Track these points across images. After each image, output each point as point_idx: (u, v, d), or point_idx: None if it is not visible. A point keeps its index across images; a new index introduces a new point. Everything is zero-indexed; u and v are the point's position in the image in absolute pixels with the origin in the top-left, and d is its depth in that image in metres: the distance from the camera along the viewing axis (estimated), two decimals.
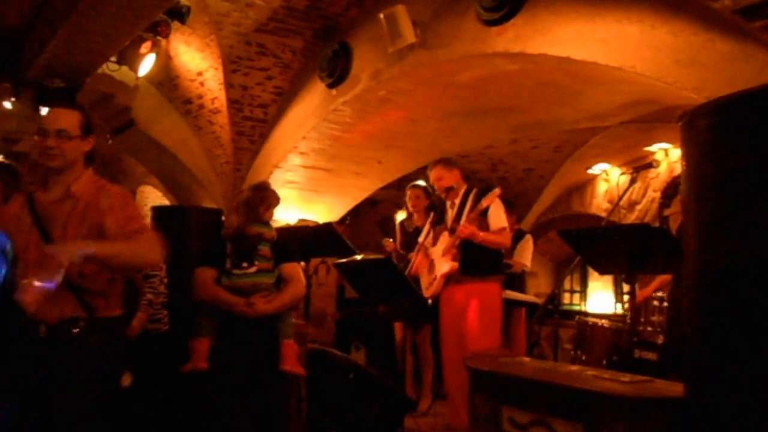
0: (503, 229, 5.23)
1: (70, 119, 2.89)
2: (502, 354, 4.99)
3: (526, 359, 4.34)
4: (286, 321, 4.28)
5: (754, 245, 2.07)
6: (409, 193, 6.57)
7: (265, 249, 4.27)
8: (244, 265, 4.21)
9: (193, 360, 4.13)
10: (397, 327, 6.57)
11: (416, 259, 5.55)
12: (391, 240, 6.69)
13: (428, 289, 5.42)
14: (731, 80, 3.69)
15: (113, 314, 2.93)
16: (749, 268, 2.09)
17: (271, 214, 4.51)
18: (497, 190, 5.15)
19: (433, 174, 5.48)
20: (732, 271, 2.14)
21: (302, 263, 6.05)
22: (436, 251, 5.38)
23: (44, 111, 7.08)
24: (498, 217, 5.21)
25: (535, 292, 9.51)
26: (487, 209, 5.13)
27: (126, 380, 2.97)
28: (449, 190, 5.37)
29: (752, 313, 2.06)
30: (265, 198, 4.45)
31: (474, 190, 5.34)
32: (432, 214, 5.67)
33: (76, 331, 2.77)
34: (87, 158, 2.98)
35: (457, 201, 5.37)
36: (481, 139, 7.85)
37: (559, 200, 9.77)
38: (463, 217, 5.21)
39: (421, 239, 5.62)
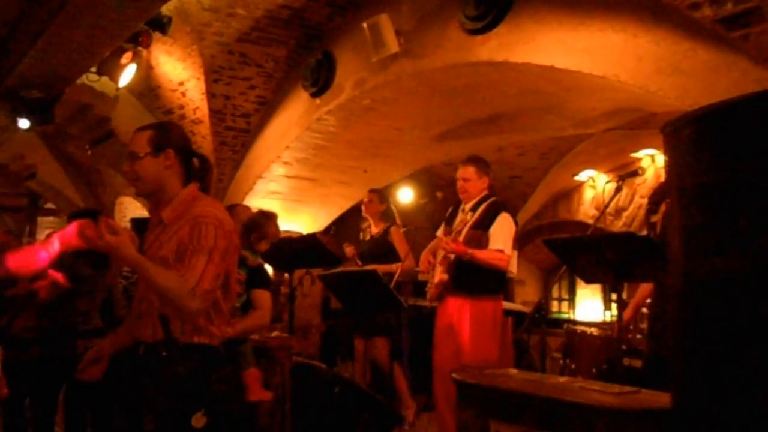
0: (500, 251, 4.91)
1: (139, 139, 2.72)
2: (489, 366, 4.93)
3: (513, 371, 4.29)
4: (245, 351, 4.19)
5: (736, 254, 2.05)
6: (365, 197, 6.54)
7: (241, 273, 4.13)
8: None
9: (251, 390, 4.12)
10: (356, 340, 6.46)
11: (424, 258, 5.33)
12: (351, 246, 6.64)
13: (427, 292, 5.33)
14: (712, 88, 3.69)
15: (202, 341, 2.64)
16: (731, 277, 2.07)
17: (264, 247, 4.40)
18: (504, 216, 4.98)
19: (463, 172, 5.13)
20: (714, 279, 2.12)
21: (286, 274, 6.02)
22: (439, 255, 5.17)
23: (21, 122, 7.10)
24: (498, 237, 4.93)
25: (522, 300, 9.51)
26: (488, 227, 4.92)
27: (198, 421, 2.53)
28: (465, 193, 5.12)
29: (735, 323, 2.04)
30: (260, 227, 4.36)
31: (487, 202, 5.08)
32: (450, 210, 5.45)
33: (164, 354, 2.60)
34: (185, 177, 2.74)
35: (468, 208, 5.13)
36: (466, 147, 7.81)
37: (545, 207, 9.77)
38: (466, 228, 5.05)
39: (439, 234, 5.37)
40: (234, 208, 4.73)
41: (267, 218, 4.49)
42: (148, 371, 2.64)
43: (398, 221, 6.44)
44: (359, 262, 6.35)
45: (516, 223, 5.17)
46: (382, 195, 6.38)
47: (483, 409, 3.49)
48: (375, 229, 6.48)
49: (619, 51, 4.26)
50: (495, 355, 5.06)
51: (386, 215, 6.61)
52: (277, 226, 4.51)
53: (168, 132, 2.78)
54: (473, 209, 5.08)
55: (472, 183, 5.08)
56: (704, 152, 2.22)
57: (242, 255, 4.03)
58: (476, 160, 5.21)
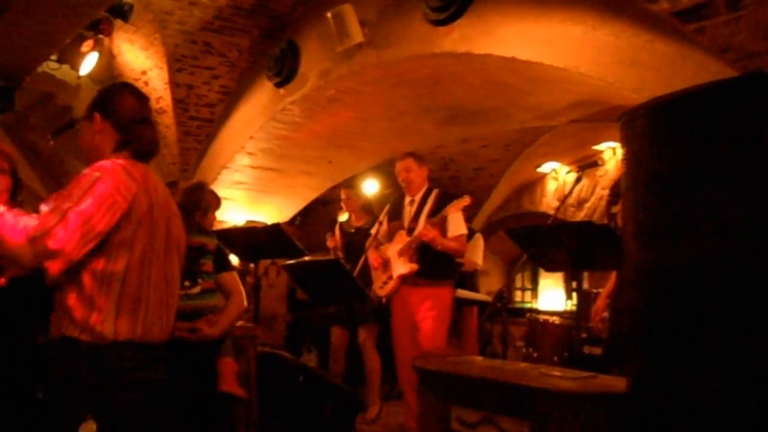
0: (462, 236, 5.20)
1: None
2: (451, 353, 5.01)
3: (477, 358, 4.36)
4: (225, 339, 3.88)
5: (689, 243, 2.10)
6: (341, 194, 6.56)
7: (207, 263, 3.83)
8: (186, 284, 3.64)
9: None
10: (335, 330, 6.51)
11: (369, 255, 5.49)
12: (335, 236, 6.66)
13: (382, 288, 5.38)
14: (670, 80, 3.75)
15: (81, 337, 2.23)
16: (683, 265, 2.12)
17: (212, 219, 4.08)
18: (467, 199, 5.13)
19: (402, 164, 5.37)
20: (666, 267, 2.17)
21: (251, 264, 6.01)
22: (392, 249, 5.32)
23: None
24: (458, 223, 5.17)
25: (486, 291, 9.58)
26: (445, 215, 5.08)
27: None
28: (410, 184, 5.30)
29: (686, 310, 2.09)
30: (199, 201, 3.97)
31: (435, 192, 5.29)
32: (387, 208, 5.59)
33: (51, 354, 2.30)
34: (121, 145, 2.45)
35: (417, 199, 5.32)
36: (431, 138, 7.86)
37: (509, 199, 9.87)
38: (422, 219, 5.17)
39: (373, 231, 5.56)
40: (174, 185, 4.37)
41: (199, 190, 4.11)
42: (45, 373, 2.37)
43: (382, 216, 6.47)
44: (340, 254, 6.38)
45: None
46: (357, 189, 6.43)
47: (444, 395, 3.53)
48: (359, 222, 6.49)
49: (579, 43, 4.30)
50: (446, 335, 5.26)
51: (366, 208, 6.63)
52: (213, 193, 4.19)
53: (104, 94, 2.53)
54: (422, 200, 5.22)
55: (414, 172, 5.31)
56: (658, 142, 2.27)
57: (200, 242, 3.79)
58: (410, 153, 5.48)
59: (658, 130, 2.26)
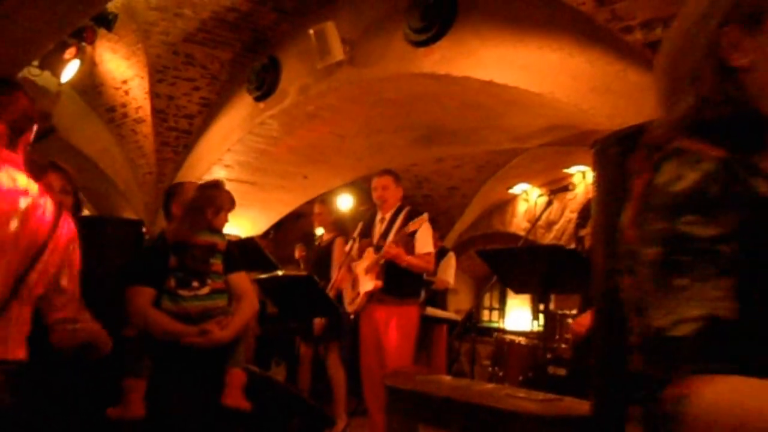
0: (428, 254, 5.22)
1: None
2: (420, 372, 5.04)
3: (445, 377, 4.40)
4: (238, 347, 3.66)
5: None
6: (315, 208, 6.59)
7: (217, 263, 3.61)
8: (195, 284, 3.51)
9: (127, 404, 3.36)
10: (301, 345, 6.48)
11: (340, 272, 5.53)
12: (302, 248, 6.69)
13: (351, 304, 5.42)
14: (641, 109, 3.85)
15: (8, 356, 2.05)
16: None
17: (224, 220, 3.84)
18: (425, 216, 5.16)
19: (379, 181, 5.37)
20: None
21: None
22: (360, 266, 5.37)
23: None
24: (425, 241, 5.19)
25: (455, 309, 9.62)
26: (414, 232, 5.12)
27: None
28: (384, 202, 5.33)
29: None
30: (213, 198, 3.75)
31: (405, 210, 5.33)
32: (359, 225, 5.63)
33: None
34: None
35: (387, 217, 5.36)
36: (406, 156, 7.94)
37: (480, 218, 9.95)
38: (390, 236, 5.22)
39: (346, 248, 5.60)
40: (181, 186, 4.10)
41: (215, 188, 3.89)
42: None
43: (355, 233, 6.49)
44: (301, 266, 6.39)
45: (432, 227, 5.40)
46: (329, 205, 6.46)
47: (412, 414, 3.56)
48: (327, 237, 6.52)
49: (556, 69, 4.40)
50: (413, 353, 5.25)
51: (338, 224, 6.66)
52: (228, 193, 3.96)
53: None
54: (392, 218, 5.27)
55: (390, 191, 5.32)
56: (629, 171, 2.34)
57: (210, 241, 3.59)
58: (388, 171, 5.49)
59: (629, 157, 2.32)
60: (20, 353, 2.09)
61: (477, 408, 2.95)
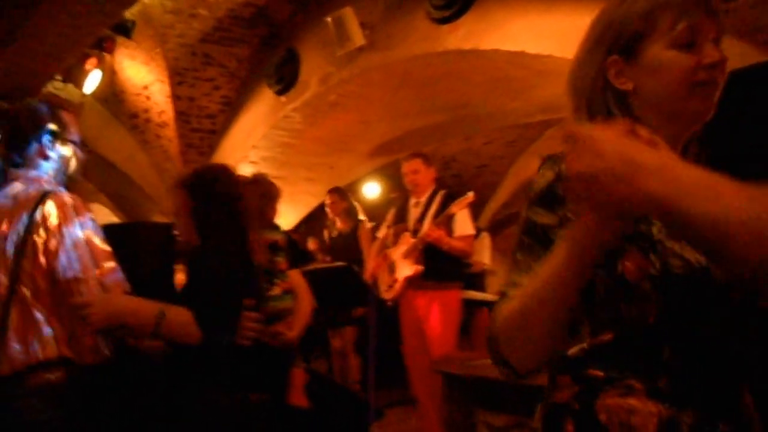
0: (469, 236, 5.10)
1: None
2: (469, 357, 4.94)
3: None
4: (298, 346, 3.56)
5: None
6: (326, 198, 6.50)
7: (282, 261, 3.49)
8: (266, 286, 3.29)
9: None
10: (334, 335, 6.43)
11: (377, 259, 5.43)
12: (315, 241, 6.63)
13: (388, 291, 5.32)
14: None
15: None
16: None
17: (276, 212, 3.76)
18: (470, 196, 5.04)
19: (409, 165, 5.24)
20: None
21: None
22: (397, 252, 5.26)
23: None
24: (465, 223, 5.06)
25: (494, 290, 9.52)
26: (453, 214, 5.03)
27: None
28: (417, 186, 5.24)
29: None
30: (268, 193, 3.67)
31: (441, 192, 5.21)
32: (392, 211, 5.53)
33: None
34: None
35: (422, 201, 5.24)
36: (433, 137, 7.82)
37: (516, 196, 9.82)
38: (428, 220, 5.10)
39: (379, 235, 5.50)
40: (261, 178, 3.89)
41: (264, 182, 3.77)
42: None
43: (364, 218, 6.39)
44: (321, 257, 6.33)
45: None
46: (342, 193, 6.36)
47: (470, 399, 3.47)
48: (342, 225, 6.43)
49: None
50: (456, 339, 5.16)
51: (350, 211, 6.57)
52: (271, 183, 3.84)
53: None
54: (428, 202, 5.15)
55: (421, 174, 5.17)
56: None
57: (273, 240, 3.42)
58: (418, 154, 5.35)
59: None
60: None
61: (537, 389, 2.85)
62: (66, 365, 2.11)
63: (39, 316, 2.09)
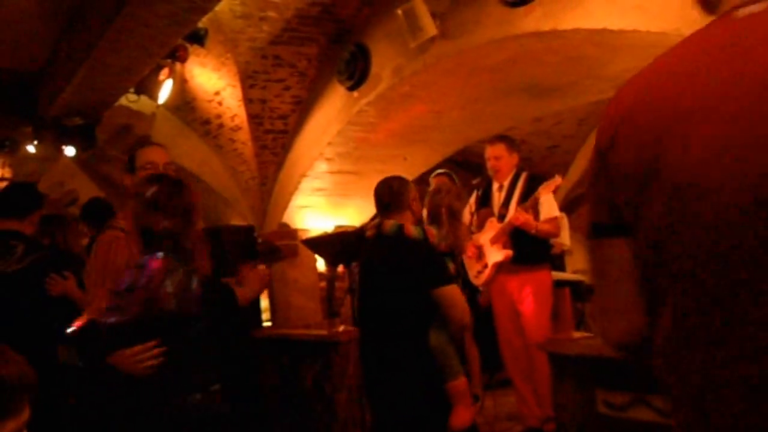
0: (555, 218, 5.12)
1: None
2: (571, 337, 4.94)
3: None
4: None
5: None
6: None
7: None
8: None
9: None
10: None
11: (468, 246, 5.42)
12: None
13: (478, 277, 5.33)
14: None
15: None
16: None
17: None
18: (558, 178, 5.03)
19: (493, 150, 5.26)
20: None
21: (339, 268, 6.01)
22: (484, 237, 5.26)
23: (67, 150, 7.12)
24: (551, 205, 5.09)
25: (572, 270, 9.43)
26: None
27: None
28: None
29: None
30: (408, 191, 3.84)
31: (524, 175, 5.22)
32: (474, 196, 5.52)
33: None
34: None
35: (506, 185, 5.24)
36: (504, 121, 7.78)
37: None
38: (512, 204, 5.10)
39: (465, 220, 5.49)
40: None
41: (406, 181, 3.94)
42: None
43: (471, 205, 6.35)
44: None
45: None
46: (451, 176, 6.37)
47: (586, 379, 3.47)
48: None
49: (678, 3, 4.07)
50: (550, 320, 5.19)
51: (460, 196, 6.57)
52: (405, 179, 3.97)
53: None
54: (511, 185, 5.14)
55: (504, 160, 5.21)
56: None
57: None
58: (505, 138, 5.38)
59: None
60: None
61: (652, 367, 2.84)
62: None
63: None
